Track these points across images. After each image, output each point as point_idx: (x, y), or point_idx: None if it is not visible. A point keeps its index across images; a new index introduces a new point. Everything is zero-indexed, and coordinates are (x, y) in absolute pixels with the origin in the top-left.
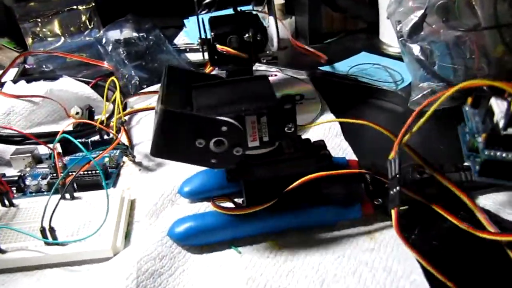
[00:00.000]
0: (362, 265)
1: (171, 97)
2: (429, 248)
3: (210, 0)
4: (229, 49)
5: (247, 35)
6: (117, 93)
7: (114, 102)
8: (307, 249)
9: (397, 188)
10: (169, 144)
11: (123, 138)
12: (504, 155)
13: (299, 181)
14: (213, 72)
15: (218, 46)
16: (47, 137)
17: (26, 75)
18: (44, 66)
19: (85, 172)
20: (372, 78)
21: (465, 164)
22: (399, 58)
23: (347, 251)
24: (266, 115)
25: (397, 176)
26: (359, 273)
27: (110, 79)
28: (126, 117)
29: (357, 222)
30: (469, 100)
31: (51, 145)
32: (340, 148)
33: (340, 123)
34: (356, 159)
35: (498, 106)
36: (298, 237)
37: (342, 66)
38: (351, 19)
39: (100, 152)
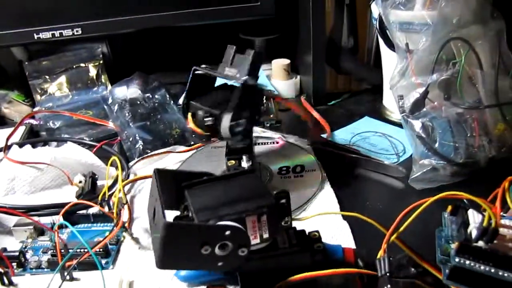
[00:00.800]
0: None
1: (168, 202)
2: None
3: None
4: (193, 125)
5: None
6: (119, 173)
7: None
8: None
9: (388, 285)
10: (174, 256)
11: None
12: (472, 264)
13: (289, 279)
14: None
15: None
16: (50, 209)
17: (32, 133)
18: (50, 123)
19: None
20: (373, 148)
21: None
22: (402, 126)
23: None
24: (266, 213)
25: (387, 274)
26: None
27: (112, 159)
28: (128, 186)
29: None
30: (449, 208)
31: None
32: (337, 228)
33: (338, 197)
34: (354, 245)
35: (474, 218)
36: None
37: (345, 133)
38: (356, 80)
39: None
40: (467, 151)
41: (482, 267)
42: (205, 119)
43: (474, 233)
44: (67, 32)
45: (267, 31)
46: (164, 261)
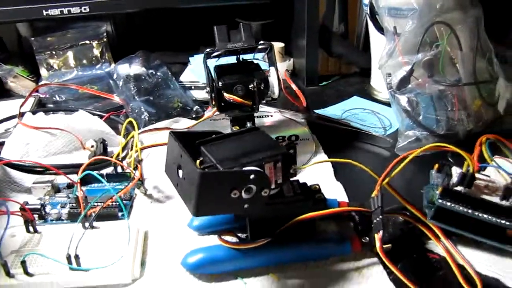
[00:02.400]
0: None
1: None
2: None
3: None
4: (235, 97)
5: (251, 85)
6: (136, 133)
7: (126, 137)
8: (303, 281)
9: (380, 217)
10: (208, 202)
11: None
12: (452, 205)
13: (296, 219)
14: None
15: (225, 94)
16: (67, 168)
17: (40, 105)
18: (57, 97)
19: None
20: (363, 123)
21: None
22: (388, 104)
23: (338, 284)
24: (280, 160)
25: (380, 207)
26: None
27: (128, 120)
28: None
29: (347, 258)
30: (436, 166)
31: (73, 178)
32: (333, 189)
33: (333, 166)
34: (347, 200)
35: (456, 172)
36: (296, 271)
37: (336, 110)
38: (346, 64)
39: (121, 188)
40: (448, 123)
41: (461, 208)
42: (239, 90)
43: (455, 181)
44: (75, 10)
45: (263, 16)
46: (200, 208)
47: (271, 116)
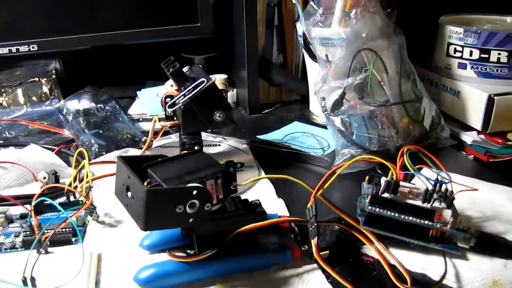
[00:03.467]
0: None
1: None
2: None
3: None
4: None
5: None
6: (86, 161)
7: (76, 167)
8: None
9: (315, 224)
10: (155, 217)
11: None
12: (380, 211)
13: (238, 230)
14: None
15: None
16: (21, 199)
17: None
18: (7, 133)
19: (57, 231)
20: (302, 145)
21: None
22: (326, 127)
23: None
24: (221, 177)
25: (314, 216)
26: None
27: (78, 150)
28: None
29: (288, 265)
30: (367, 178)
31: (28, 206)
32: (275, 205)
33: (275, 186)
34: (288, 214)
35: (383, 182)
36: (241, 280)
37: (277, 135)
38: (286, 91)
39: (74, 211)
40: (379, 141)
41: (388, 213)
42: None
43: (381, 190)
44: (23, 48)
45: (206, 50)
46: (148, 223)
47: (218, 145)
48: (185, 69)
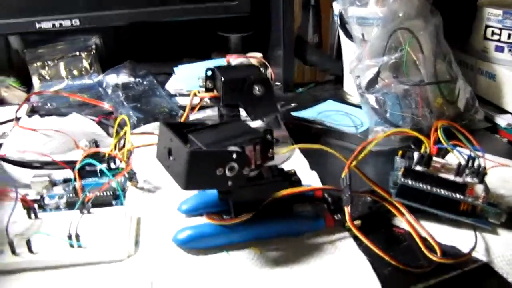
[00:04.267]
0: (326, 263)
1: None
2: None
3: None
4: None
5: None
6: (128, 127)
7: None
8: (282, 253)
9: (349, 193)
10: (196, 177)
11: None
12: (412, 183)
13: (274, 195)
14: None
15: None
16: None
17: (33, 112)
18: (49, 105)
19: (99, 193)
20: (336, 123)
21: None
22: (360, 106)
23: (313, 254)
24: (259, 144)
25: (348, 185)
26: (323, 269)
27: (121, 117)
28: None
29: (321, 233)
30: (400, 153)
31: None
32: (308, 178)
33: (308, 159)
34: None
35: (416, 155)
36: (276, 245)
37: (311, 113)
38: (321, 71)
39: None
40: (413, 120)
41: (420, 185)
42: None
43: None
44: (66, 23)
45: (242, 29)
46: (189, 183)
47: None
48: None
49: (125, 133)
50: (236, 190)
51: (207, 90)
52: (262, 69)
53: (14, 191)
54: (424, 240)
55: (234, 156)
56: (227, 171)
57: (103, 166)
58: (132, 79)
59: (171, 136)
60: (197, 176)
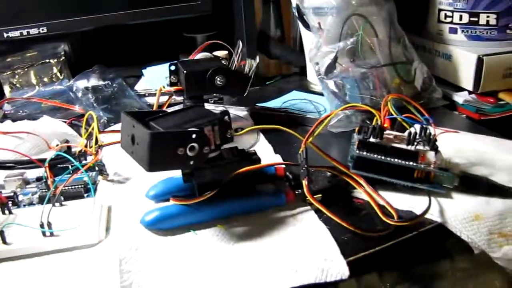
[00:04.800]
0: (288, 235)
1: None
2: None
3: None
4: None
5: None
6: (95, 124)
7: (87, 136)
8: (246, 229)
9: (305, 166)
10: (158, 158)
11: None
12: (367, 154)
13: (236, 172)
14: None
15: None
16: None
17: (6, 118)
18: (21, 111)
19: (69, 186)
20: (300, 110)
21: None
22: (322, 94)
23: (276, 228)
24: (217, 124)
25: (305, 159)
26: (285, 241)
27: (88, 113)
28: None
29: (283, 208)
30: (357, 129)
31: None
32: (271, 158)
33: (272, 146)
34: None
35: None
36: (239, 222)
37: (276, 103)
38: (285, 64)
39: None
40: (371, 101)
41: (375, 156)
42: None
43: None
44: (33, 31)
45: (207, 28)
46: (151, 164)
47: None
48: None
49: (93, 129)
50: (199, 171)
51: (172, 84)
52: (226, 62)
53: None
54: (382, 208)
55: (194, 136)
56: (188, 151)
57: (72, 158)
58: (101, 82)
59: (133, 122)
60: (159, 157)
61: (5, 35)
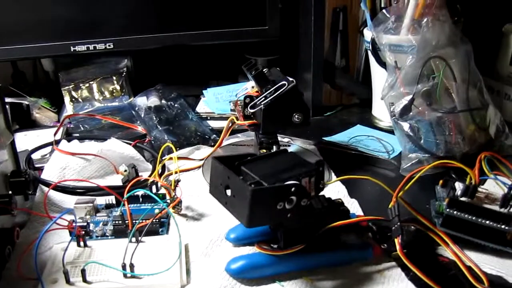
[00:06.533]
0: None
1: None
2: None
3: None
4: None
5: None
6: (175, 155)
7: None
8: (333, 282)
9: (398, 223)
10: (258, 214)
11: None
12: (459, 213)
13: (328, 226)
14: None
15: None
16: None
17: (68, 134)
18: (81, 127)
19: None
20: (368, 148)
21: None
22: (389, 131)
23: (363, 284)
24: (314, 176)
25: (397, 216)
26: None
27: (165, 144)
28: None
29: (369, 262)
30: (441, 182)
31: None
32: (349, 205)
33: (346, 187)
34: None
35: (459, 186)
36: (326, 274)
37: (342, 137)
38: (347, 95)
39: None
40: (446, 146)
41: (466, 216)
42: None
43: (459, 193)
44: (100, 46)
45: (269, 52)
46: (251, 220)
47: (288, 146)
48: (265, 70)
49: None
50: (287, 221)
51: (246, 117)
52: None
53: (74, 223)
54: (469, 269)
55: (293, 189)
56: (286, 204)
57: (154, 195)
58: (163, 102)
59: (229, 173)
60: (259, 212)
61: (72, 49)
